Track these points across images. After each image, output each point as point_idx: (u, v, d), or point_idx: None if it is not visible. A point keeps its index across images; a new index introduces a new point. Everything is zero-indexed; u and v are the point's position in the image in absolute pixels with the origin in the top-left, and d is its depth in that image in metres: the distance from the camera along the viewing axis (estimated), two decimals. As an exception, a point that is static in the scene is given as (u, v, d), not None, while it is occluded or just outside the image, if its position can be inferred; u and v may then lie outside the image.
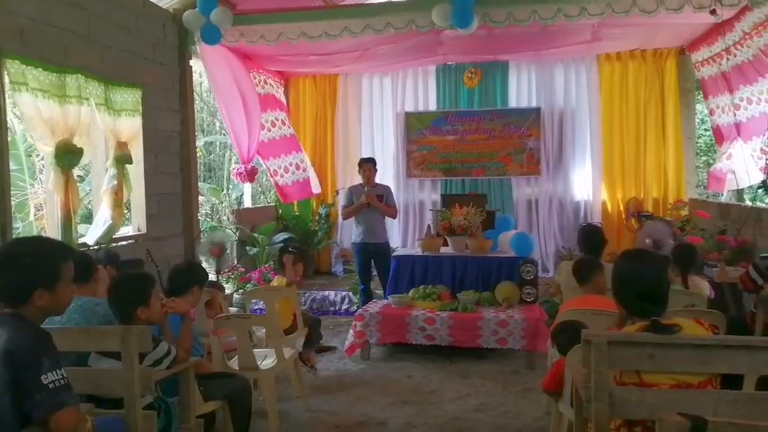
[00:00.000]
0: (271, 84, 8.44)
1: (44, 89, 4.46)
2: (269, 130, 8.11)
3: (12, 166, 5.80)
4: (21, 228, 6.40)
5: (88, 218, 6.49)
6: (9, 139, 4.42)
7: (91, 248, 4.97)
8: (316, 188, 8.78)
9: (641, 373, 2.09)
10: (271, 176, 8.01)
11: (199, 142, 8.51)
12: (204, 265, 6.65)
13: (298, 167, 8.48)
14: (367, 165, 6.30)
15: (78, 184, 6.75)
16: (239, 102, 7.25)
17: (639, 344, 2.05)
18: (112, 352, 2.53)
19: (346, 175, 8.92)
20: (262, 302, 5.31)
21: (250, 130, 7.34)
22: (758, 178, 6.24)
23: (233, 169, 7.52)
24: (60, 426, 1.93)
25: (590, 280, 3.57)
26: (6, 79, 4.22)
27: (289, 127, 8.64)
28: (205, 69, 6.83)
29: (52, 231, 4.74)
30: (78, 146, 4.69)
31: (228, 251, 7.02)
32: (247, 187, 8.53)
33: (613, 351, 2.03)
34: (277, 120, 8.40)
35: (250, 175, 7.38)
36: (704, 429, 1.48)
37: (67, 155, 4.61)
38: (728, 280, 4.61)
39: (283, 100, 8.83)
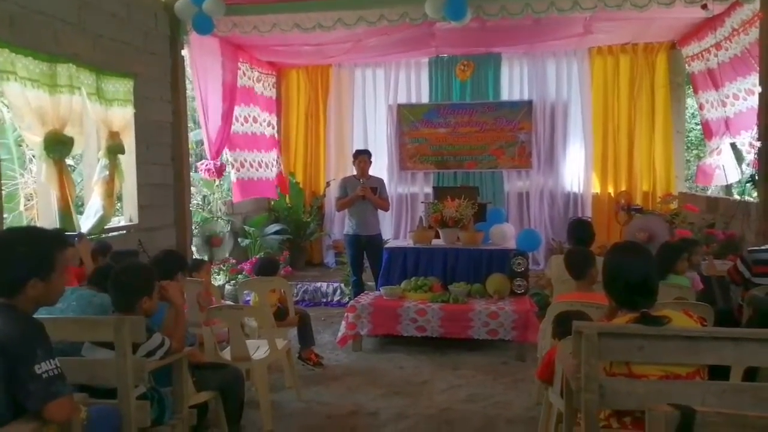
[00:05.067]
0: (256, 78, 8.35)
1: (33, 78, 4.41)
2: (242, 125, 7.94)
3: (2, 155, 5.75)
4: (10, 218, 6.33)
5: (78, 208, 6.45)
6: (-1, 128, 4.38)
7: (85, 236, 4.93)
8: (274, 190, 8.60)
9: (631, 364, 2.12)
10: (233, 169, 7.64)
11: (196, 136, 8.34)
12: (196, 255, 6.65)
13: (261, 165, 8.28)
14: (363, 156, 6.29)
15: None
16: (218, 95, 7.12)
17: (628, 336, 2.08)
18: (106, 342, 2.54)
19: (338, 166, 8.91)
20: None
21: (225, 124, 7.23)
22: (746, 174, 6.30)
23: (200, 164, 7.29)
24: (54, 416, 1.93)
25: (587, 275, 3.55)
26: (-4, 68, 4.18)
27: (273, 128, 8.61)
28: (190, 58, 6.69)
29: (45, 222, 4.71)
30: (68, 136, 4.64)
31: (224, 242, 6.99)
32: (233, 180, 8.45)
33: (603, 342, 2.06)
34: (258, 117, 8.29)
35: (219, 171, 7.22)
36: (692, 419, 1.50)
37: (57, 145, 4.55)
38: (716, 273, 4.66)
39: (270, 95, 8.73)
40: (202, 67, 6.85)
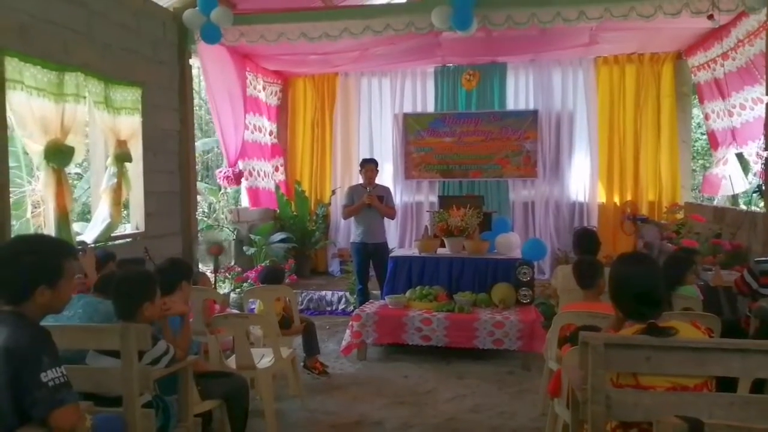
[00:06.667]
0: (263, 87, 8.44)
1: (40, 87, 4.43)
2: (252, 133, 8.08)
3: (10, 163, 5.77)
4: (17, 226, 6.36)
5: (85, 215, 6.47)
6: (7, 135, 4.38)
7: (89, 246, 4.95)
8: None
9: (638, 375, 2.11)
10: (245, 178, 7.83)
11: (203, 146, 8.43)
12: (201, 265, 6.65)
13: (267, 175, 8.45)
14: (370, 165, 6.32)
15: (75, 182, 6.75)
16: (230, 103, 7.22)
17: (635, 347, 2.07)
18: (111, 350, 2.54)
19: (344, 175, 8.95)
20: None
21: (237, 132, 7.31)
22: (752, 184, 6.28)
23: (219, 172, 7.40)
24: (59, 424, 1.93)
25: (596, 284, 3.52)
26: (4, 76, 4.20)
27: (274, 138, 8.74)
28: (202, 67, 6.80)
29: (50, 229, 4.72)
30: (69, 145, 4.64)
31: (226, 251, 7.01)
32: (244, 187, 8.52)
33: (610, 353, 2.05)
34: (262, 126, 8.44)
35: (237, 178, 7.31)
36: (701, 431, 1.50)
37: (57, 154, 4.54)
38: (723, 284, 4.64)
39: (271, 103, 8.81)
40: (214, 76, 6.92)
